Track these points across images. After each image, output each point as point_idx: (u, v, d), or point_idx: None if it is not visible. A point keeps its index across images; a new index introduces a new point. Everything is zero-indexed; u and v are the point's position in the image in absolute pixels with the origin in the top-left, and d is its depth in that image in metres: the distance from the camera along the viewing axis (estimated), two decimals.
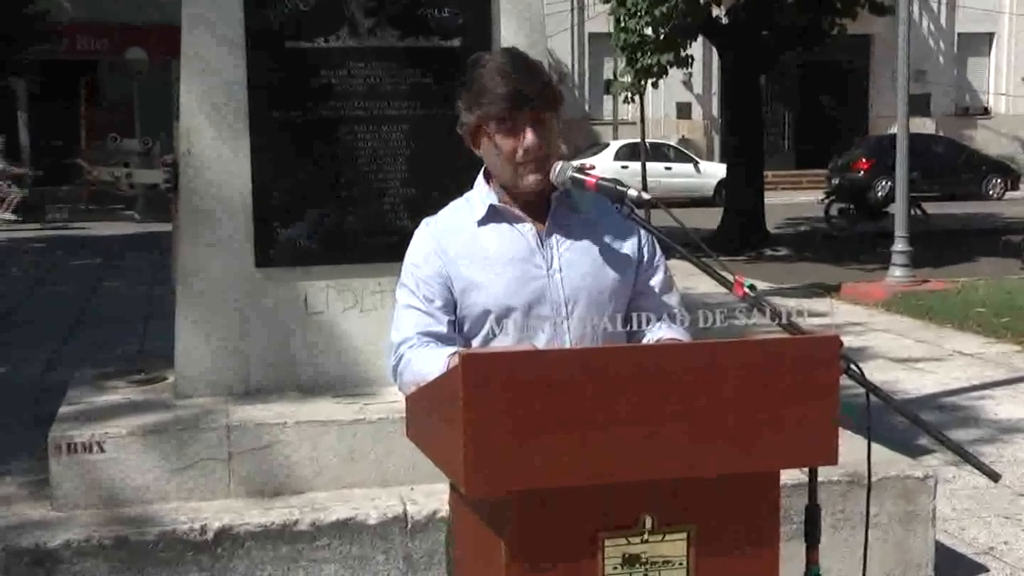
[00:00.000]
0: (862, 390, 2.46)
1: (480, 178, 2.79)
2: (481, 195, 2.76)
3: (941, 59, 37.51)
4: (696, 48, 21.24)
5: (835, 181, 24.74)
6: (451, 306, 2.70)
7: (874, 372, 8.08)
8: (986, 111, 38.52)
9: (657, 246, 2.81)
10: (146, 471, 4.26)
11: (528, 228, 2.71)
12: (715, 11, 19.38)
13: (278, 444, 4.34)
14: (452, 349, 2.59)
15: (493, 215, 2.73)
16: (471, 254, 2.70)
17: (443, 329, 2.68)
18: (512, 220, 2.72)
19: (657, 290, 2.81)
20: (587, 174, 2.65)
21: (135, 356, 8.52)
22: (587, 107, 34.94)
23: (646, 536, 2.16)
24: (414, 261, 2.74)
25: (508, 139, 2.62)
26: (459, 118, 2.70)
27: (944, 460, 5.91)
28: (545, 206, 2.72)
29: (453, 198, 2.84)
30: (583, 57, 35.67)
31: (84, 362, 8.59)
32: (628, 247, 2.78)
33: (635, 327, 2.75)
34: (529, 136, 2.61)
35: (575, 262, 2.70)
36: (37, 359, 9.61)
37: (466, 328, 2.71)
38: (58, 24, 26.95)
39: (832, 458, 2.23)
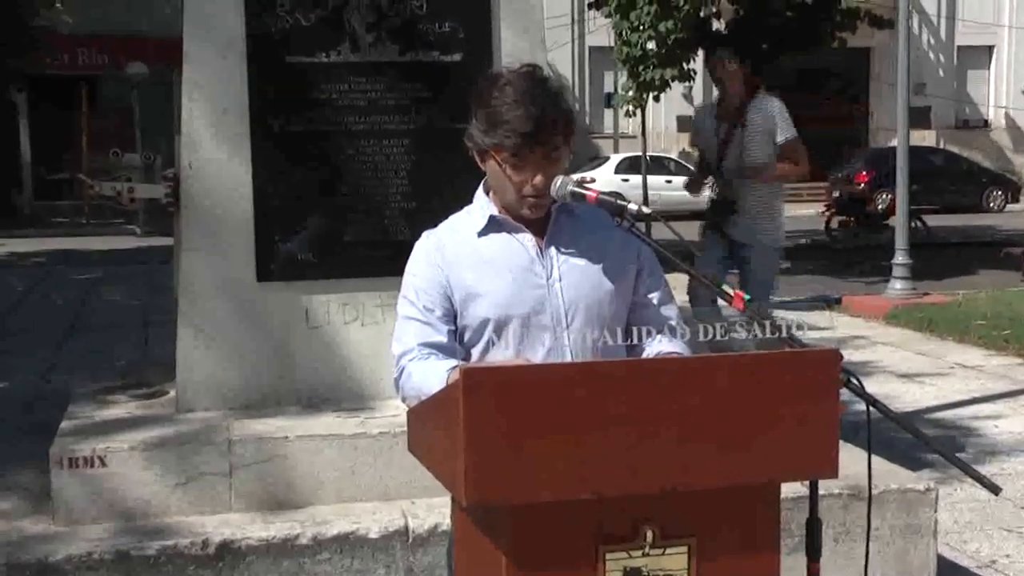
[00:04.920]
0: (863, 403, 2.47)
1: (480, 190, 2.82)
2: (481, 206, 2.79)
3: (941, 72, 37.57)
4: (697, 61, 21.27)
5: (836, 194, 24.76)
6: (451, 316, 2.72)
7: (874, 385, 8.07)
8: (986, 123, 38.57)
9: (655, 259, 2.83)
10: (148, 485, 4.26)
11: (528, 238, 2.74)
12: (716, 24, 19.38)
13: (279, 458, 4.34)
14: (452, 362, 2.60)
15: (493, 225, 2.75)
16: (471, 264, 2.72)
17: (443, 339, 2.70)
18: (512, 230, 2.75)
19: (656, 302, 2.82)
20: (587, 188, 2.67)
21: (137, 363, 8.52)
22: (587, 120, 34.98)
23: (647, 550, 2.17)
24: (414, 272, 2.77)
25: (517, 174, 2.64)
26: (469, 130, 2.69)
27: (945, 473, 5.90)
28: (545, 217, 2.74)
29: (453, 211, 2.87)
30: (583, 71, 35.74)
31: (86, 370, 8.64)
32: (627, 259, 2.80)
33: (634, 340, 2.77)
34: (539, 178, 2.63)
35: (574, 272, 2.72)
36: (35, 368, 9.62)
37: (467, 338, 2.73)
38: (56, 31, 26.99)
39: (832, 471, 2.23)
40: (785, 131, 6.85)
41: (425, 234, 2.82)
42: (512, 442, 2.04)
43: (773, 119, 6.87)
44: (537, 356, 2.67)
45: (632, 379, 2.16)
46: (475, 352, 2.72)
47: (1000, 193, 31.20)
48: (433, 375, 2.56)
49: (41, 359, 10.08)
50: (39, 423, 6.82)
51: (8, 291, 15.30)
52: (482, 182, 2.81)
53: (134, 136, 29.15)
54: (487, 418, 2.03)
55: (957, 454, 5.21)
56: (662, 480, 2.11)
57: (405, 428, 2.57)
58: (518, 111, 2.57)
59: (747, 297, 2.54)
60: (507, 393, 2.06)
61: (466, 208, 2.83)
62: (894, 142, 15.00)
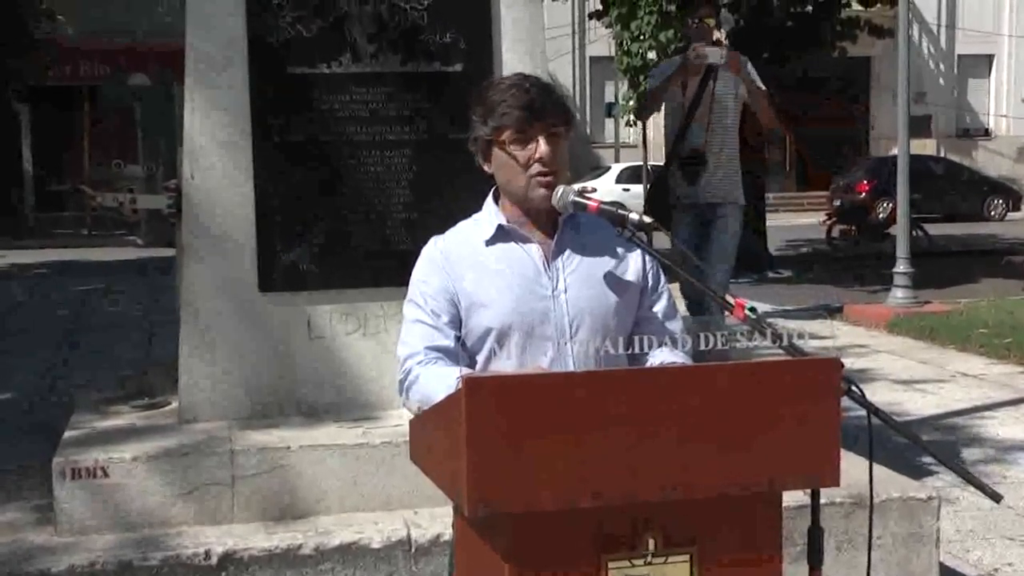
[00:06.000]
0: (864, 411, 2.47)
1: (489, 199, 2.83)
2: (490, 215, 2.79)
3: (941, 80, 37.63)
4: None
5: (837, 203, 24.80)
6: (457, 322, 2.73)
7: (876, 394, 8.08)
8: (987, 132, 38.61)
9: (661, 272, 2.83)
10: (151, 496, 4.26)
11: (535, 249, 2.74)
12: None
13: (282, 468, 4.35)
14: (459, 370, 2.60)
15: (501, 235, 2.76)
16: (477, 272, 2.72)
17: (450, 344, 2.71)
18: (519, 240, 2.75)
19: (660, 316, 2.83)
20: (589, 198, 2.68)
21: (138, 366, 8.56)
22: (588, 130, 35.02)
23: (650, 558, 2.17)
24: (422, 277, 2.77)
25: (522, 150, 2.66)
26: (471, 134, 2.73)
27: (948, 481, 5.90)
28: (552, 228, 2.75)
29: (455, 221, 2.87)
30: (584, 81, 35.80)
31: (86, 370, 8.68)
32: (632, 272, 2.80)
33: (637, 350, 2.77)
34: (543, 147, 2.65)
35: (580, 284, 2.73)
36: (36, 368, 9.66)
37: (469, 345, 2.74)
38: (60, 32, 27.06)
39: (834, 479, 2.24)
40: (756, 82, 6.87)
41: (433, 240, 2.83)
42: (512, 443, 2.04)
43: (745, 71, 6.88)
44: (540, 368, 2.67)
45: (632, 381, 2.17)
46: (479, 359, 2.73)
47: (1001, 202, 31.22)
48: (440, 381, 2.54)
49: (41, 359, 10.12)
50: (39, 423, 6.87)
51: (9, 298, 15.34)
52: (491, 191, 2.82)
53: (136, 146, 29.21)
54: (488, 419, 2.03)
55: (959, 462, 5.20)
56: (662, 480, 2.11)
57: (407, 438, 2.57)
58: (512, 91, 2.67)
59: (749, 306, 2.54)
60: (508, 394, 2.07)
61: (474, 216, 2.84)
62: (895, 151, 15.00)
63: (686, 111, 6.84)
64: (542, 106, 2.66)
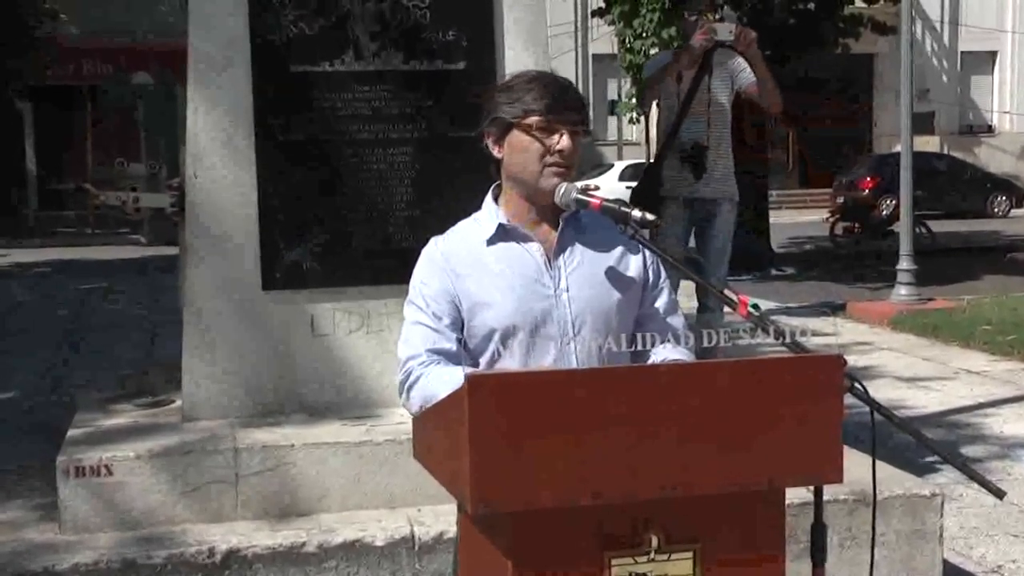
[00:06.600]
0: (867, 408, 2.47)
1: (488, 198, 2.81)
2: (490, 214, 2.78)
3: (944, 77, 37.58)
4: None
5: (840, 200, 24.78)
6: (459, 324, 2.72)
7: (879, 391, 8.08)
8: (990, 129, 38.56)
9: (662, 268, 2.83)
10: (154, 494, 4.27)
11: (536, 248, 2.73)
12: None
13: (285, 466, 4.35)
14: (463, 369, 2.59)
15: (502, 234, 2.74)
16: (479, 272, 2.71)
17: (452, 346, 2.70)
18: (520, 239, 2.74)
19: (662, 312, 2.83)
20: (591, 196, 2.67)
21: (139, 365, 8.58)
22: (591, 128, 34.99)
23: (653, 556, 2.17)
24: (422, 279, 2.76)
25: (545, 137, 2.66)
26: (487, 116, 2.72)
27: (951, 478, 5.90)
28: (554, 226, 2.74)
29: (458, 219, 2.86)
30: (587, 78, 35.78)
31: (87, 370, 8.67)
32: (634, 269, 2.80)
33: (640, 347, 2.76)
34: (566, 140, 2.66)
35: (582, 283, 2.72)
36: (36, 368, 9.66)
37: (472, 347, 2.72)
38: (61, 32, 27.08)
39: (837, 476, 2.24)
40: (750, 75, 6.80)
41: (433, 240, 2.82)
42: (513, 441, 2.04)
43: (736, 65, 6.82)
44: (543, 367, 2.66)
45: (632, 380, 2.17)
46: (482, 361, 2.71)
47: (1004, 198, 31.19)
48: (444, 380, 2.53)
49: (41, 359, 10.13)
50: (39, 423, 6.88)
51: (10, 298, 15.36)
52: (491, 189, 2.82)
53: (138, 145, 29.22)
54: (492, 425, 2.03)
55: (962, 459, 5.19)
56: (662, 480, 2.11)
57: (410, 436, 2.57)
58: (540, 80, 2.70)
59: (752, 303, 2.54)
60: (509, 392, 2.07)
61: (474, 216, 2.83)
62: (898, 148, 14.99)
63: (680, 104, 6.78)
64: (567, 100, 2.68)
